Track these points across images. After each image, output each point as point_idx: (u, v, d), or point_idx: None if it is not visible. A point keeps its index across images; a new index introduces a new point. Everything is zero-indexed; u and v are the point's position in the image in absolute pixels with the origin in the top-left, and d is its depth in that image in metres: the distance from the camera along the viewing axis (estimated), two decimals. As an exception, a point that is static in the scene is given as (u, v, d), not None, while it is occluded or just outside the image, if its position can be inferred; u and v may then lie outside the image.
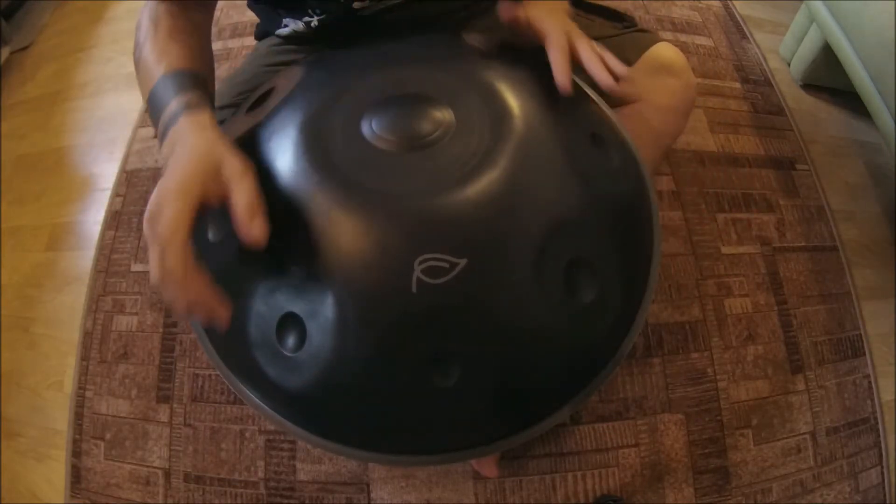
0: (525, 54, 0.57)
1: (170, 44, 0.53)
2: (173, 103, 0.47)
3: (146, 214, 0.40)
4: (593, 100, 0.59)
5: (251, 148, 0.49)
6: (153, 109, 0.50)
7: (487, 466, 0.95)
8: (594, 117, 0.56)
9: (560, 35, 0.54)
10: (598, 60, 0.53)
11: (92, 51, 1.62)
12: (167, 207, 0.39)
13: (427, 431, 0.46)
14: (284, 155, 0.46)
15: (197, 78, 0.51)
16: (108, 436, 1.05)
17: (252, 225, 0.40)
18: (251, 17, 0.76)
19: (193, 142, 0.44)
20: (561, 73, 0.52)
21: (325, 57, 0.60)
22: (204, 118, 0.46)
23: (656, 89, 0.70)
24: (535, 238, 0.43)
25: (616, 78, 0.53)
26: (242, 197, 0.41)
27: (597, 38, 0.69)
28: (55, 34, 1.72)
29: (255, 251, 0.45)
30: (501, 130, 0.46)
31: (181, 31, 0.55)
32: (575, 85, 0.58)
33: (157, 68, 0.51)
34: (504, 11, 0.58)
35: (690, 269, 1.16)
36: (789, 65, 1.48)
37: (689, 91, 0.72)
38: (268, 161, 0.47)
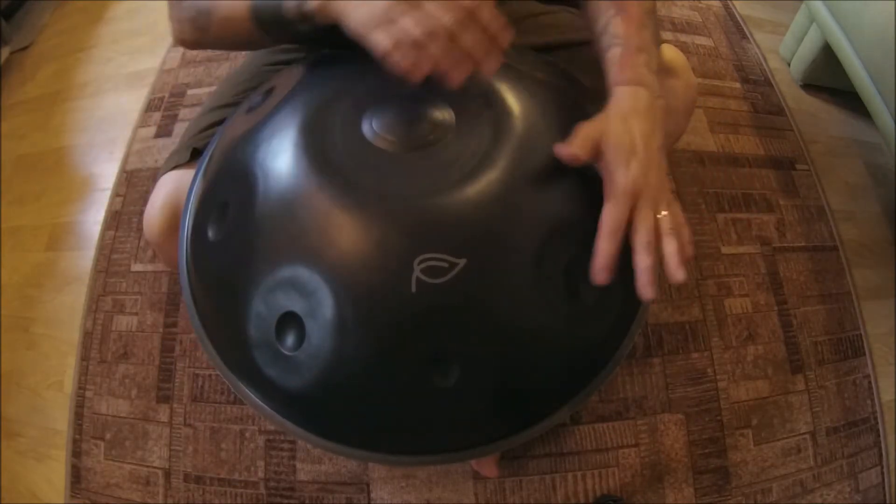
0: (526, 54, 0.57)
1: None
2: None
3: None
4: (594, 100, 0.59)
5: (251, 148, 0.49)
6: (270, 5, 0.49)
7: (487, 466, 0.95)
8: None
9: (623, 200, 0.42)
10: (647, 260, 0.41)
11: (92, 51, 1.62)
12: None
13: (427, 431, 0.46)
14: (284, 154, 0.46)
15: None
16: (108, 436, 1.05)
17: None
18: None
19: None
20: (596, 263, 0.41)
21: (325, 56, 0.60)
22: None
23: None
24: (534, 238, 0.43)
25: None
26: None
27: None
28: (55, 34, 1.72)
29: (254, 250, 0.45)
30: (502, 130, 0.46)
31: None
32: (577, 86, 0.58)
33: None
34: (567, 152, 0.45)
35: (690, 269, 1.16)
36: (789, 65, 1.48)
37: (690, 91, 0.71)
38: (267, 161, 0.47)
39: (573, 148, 0.44)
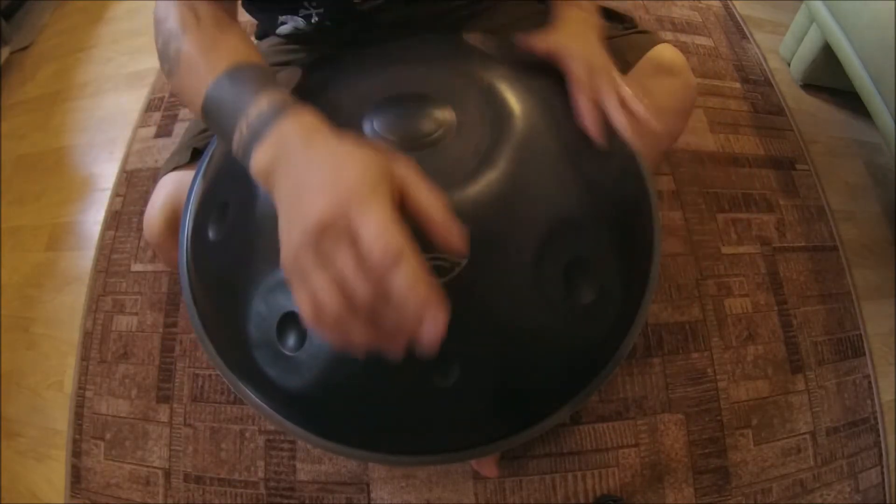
0: (526, 54, 0.57)
1: (222, 35, 0.44)
2: (262, 101, 0.38)
3: (305, 236, 0.30)
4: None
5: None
6: (218, 114, 0.41)
7: (487, 466, 0.95)
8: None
9: (582, 72, 0.52)
10: (617, 106, 0.51)
11: (92, 51, 1.62)
12: (368, 210, 0.29)
13: (427, 431, 0.46)
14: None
15: (269, 73, 0.42)
16: (108, 436, 1.05)
17: (454, 228, 0.32)
18: (247, 17, 0.76)
19: (339, 143, 0.35)
20: (589, 122, 0.50)
21: (325, 56, 0.60)
22: (317, 121, 0.38)
23: (657, 90, 0.70)
24: (535, 238, 0.43)
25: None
26: (433, 197, 0.33)
27: None
28: (55, 34, 1.72)
29: (254, 250, 0.45)
30: (502, 130, 0.46)
31: (230, 23, 0.47)
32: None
33: (214, 63, 0.42)
34: (528, 43, 0.57)
35: (690, 269, 1.16)
36: (789, 65, 1.48)
37: (690, 92, 0.72)
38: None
39: (534, 44, 0.55)
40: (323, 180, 0.32)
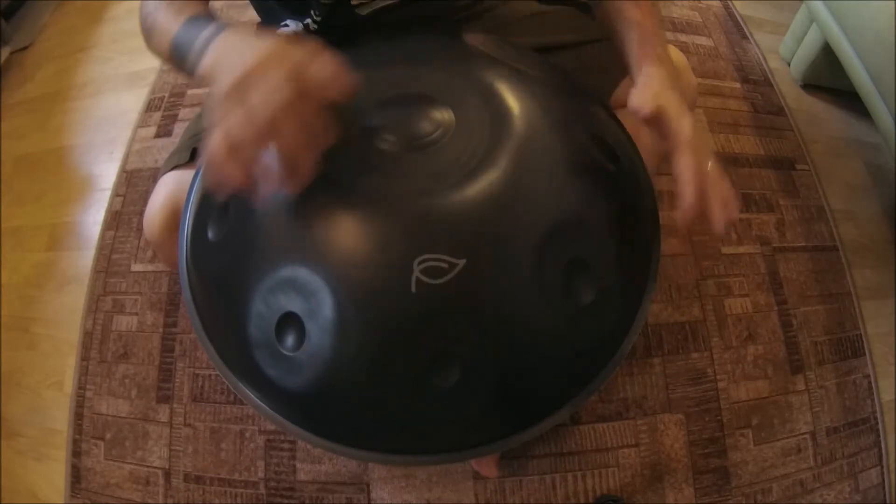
0: (526, 54, 0.57)
1: (187, 4, 0.52)
2: (208, 29, 0.46)
3: (232, 85, 0.38)
4: (594, 100, 0.59)
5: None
6: (179, 51, 0.48)
7: (487, 466, 0.95)
8: (595, 118, 0.56)
9: (693, 154, 0.47)
10: (721, 202, 0.47)
11: (92, 51, 1.62)
12: (284, 50, 0.40)
13: (427, 431, 0.46)
14: (284, 155, 0.46)
15: (217, 17, 0.49)
16: (108, 436, 1.05)
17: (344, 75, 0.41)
18: (251, 16, 0.76)
19: (259, 39, 0.42)
20: (683, 217, 0.46)
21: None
22: (246, 31, 0.45)
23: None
24: (534, 238, 0.43)
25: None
26: (329, 59, 0.41)
27: (594, 40, 0.69)
28: (55, 34, 1.72)
29: (254, 250, 0.45)
30: (502, 131, 0.46)
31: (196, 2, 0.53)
32: (575, 86, 0.58)
33: (177, 18, 0.49)
34: (632, 99, 0.51)
35: (690, 269, 1.16)
36: (789, 65, 1.48)
37: (690, 92, 0.71)
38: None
39: (643, 107, 0.49)
40: (239, 58, 0.40)
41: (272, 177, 0.40)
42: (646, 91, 0.51)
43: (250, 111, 0.38)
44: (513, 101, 0.49)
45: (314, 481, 0.98)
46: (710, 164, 0.48)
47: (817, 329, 1.13)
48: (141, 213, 1.23)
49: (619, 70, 0.67)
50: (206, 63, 0.44)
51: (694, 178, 0.46)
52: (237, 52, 0.42)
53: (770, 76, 1.46)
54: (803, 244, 1.22)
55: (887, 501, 1.00)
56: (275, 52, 0.40)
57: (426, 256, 0.40)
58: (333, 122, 0.42)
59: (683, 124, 0.48)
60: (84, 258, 1.24)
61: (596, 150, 0.51)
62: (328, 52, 0.41)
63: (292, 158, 0.40)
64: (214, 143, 0.38)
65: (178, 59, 0.49)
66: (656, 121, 0.49)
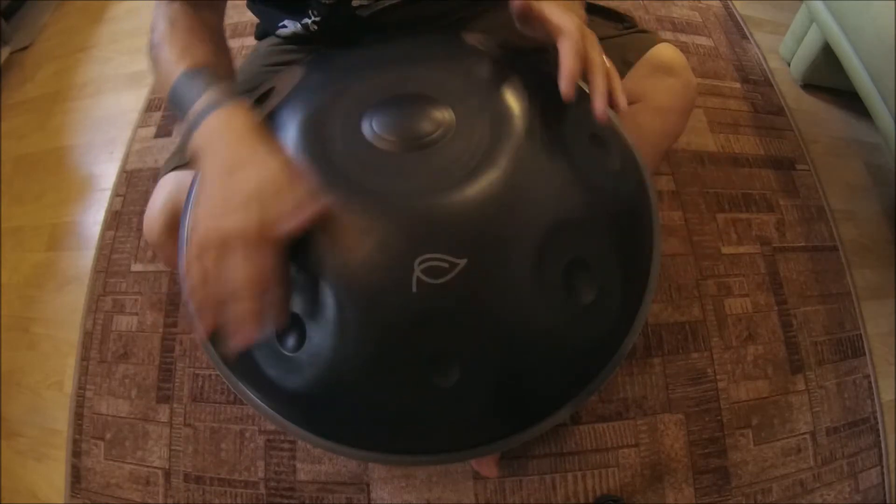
0: (526, 54, 0.57)
1: (191, 41, 0.53)
2: (202, 99, 0.47)
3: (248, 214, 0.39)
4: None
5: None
6: (176, 104, 0.50)
7: (487, 466, 0.95)
8: (594, 118, 0.56)
9: (576, 35, 0.48)
10: (603, 84, 0.47)
11: (92, 51, 1.62)
12: (289, 192, 0.40)
13: (427, 431, 0.46)
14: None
15: (220, 74, 0.51)
16: (108, 436, 1.05)
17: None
18: (251, 17, 0.76)
19: (248, 152, 0.43)
20: (567, 77, 0.46)
21: (325, 57, 0.60)
22: (241, 113, 0.46)
23: (657, 90, 0.70)
24: (535, 238, 0.43)
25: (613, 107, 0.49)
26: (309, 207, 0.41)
27: (598, 40, 0.69)
28: (55, 34, 1.72)
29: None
30: (501, 130, 0.46)
31: (200, 30, 0.55)
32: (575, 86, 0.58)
33: (179, 64, 0.50)
34: (515, 3, 0.52)
35: (690, 269, 1.16)
36: (789, 65, 1.48)
37: (690, 91, 0.72)
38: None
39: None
40: (232, 194, 0.41)
41: (238, 328, 0.40)
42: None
43: (216, 279, 0.39)
44: (513, 100, 0.49)
45: (314, 481, 0.98)
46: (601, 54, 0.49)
47: (817, 329, 1.13)
48: (141, 213, 1.23)
49: (618, 69, 0.67)
50: (194, 144, 0.46)
51: (575, 54, 0.47)
52: (221, 143, 0.44)
53: (770, 76, 1.46)
54: (803, 244, 1.22)
55: (887, 501, 1.00)
56: (253, 216, 0.39)
57: (427, 256, 0.40)
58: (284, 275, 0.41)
59: (565, 18, 0.49)
60: (84, 258, 1.24)
61: (595, 150, 0.51)
62: (312, 197, 0.41)
63: (243, 322, 0.39)
64: (189, 277, 0.40)
65: (173, 110, 0.51)
66: (535, 19, 0.50)
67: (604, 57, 0.49)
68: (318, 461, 0.99)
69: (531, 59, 0.57)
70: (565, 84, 0.46)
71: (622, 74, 0.71)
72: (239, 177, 0.41)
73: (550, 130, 0.48)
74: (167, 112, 1.41)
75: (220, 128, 0.45)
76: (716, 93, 1.41)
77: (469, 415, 0.44)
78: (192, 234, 0.41)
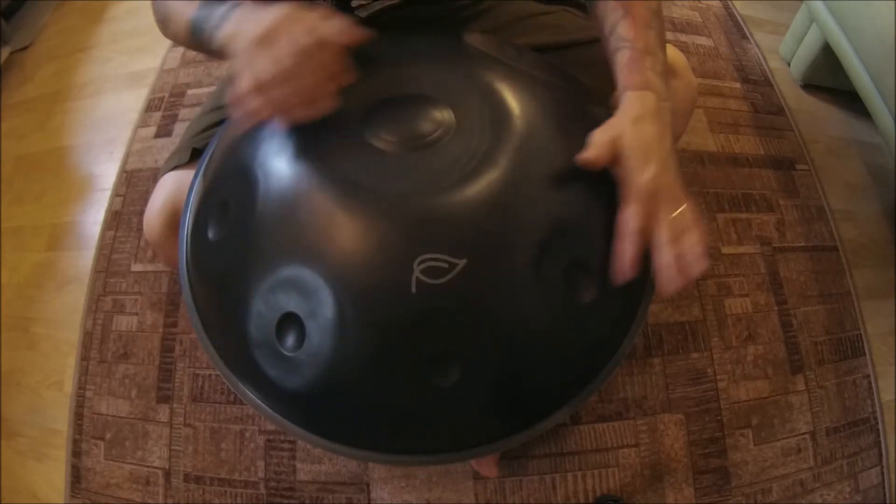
0: (526, 54, 0.57)
1: None
2: (224, 6, 0.50)
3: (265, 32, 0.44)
4: (594, 100, 0.59)
5: (251, 148, 0.49)
6: (197, 29, 0.52)
7: (487, 466, 0.95)
8: (595, 118, 0.56)
9: (643, 201, 0.44)
10: (668, 252, 0.43)
11: (92, 51, 1.62)
12: (300, 11, 0.46)
13: (426, 431, 0.46)
14: (284, 155, 0.46)
15: None
16: (108, 436, 1.05)
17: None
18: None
19: (273, 6, 0.46)
20: (619, 258, 0.43)
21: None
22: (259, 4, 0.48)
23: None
24: (535, 238, 0.43)
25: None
26: (340, 18, 0.46)
27: (594, 40, 0.69)
28: (55, 34, 1.72)
29: (253, 250, 0.45)
30: (501, 131, 0.46)
31: None
32: (577, 86, 0.58)
33: (192, 3, 0.53)
34: (592, 136, 0.47)
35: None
36: (789, 65, 1.48)
37: (690, 92, 0.71)
38: (268, 161, 0.47)
39: (591, 153, 0.45)
40: (258, 21, 0.46)
41: (295, 107, 0.45)
42: (608, 130, 0.46)
43: (276, 56, 0.44)
44: (513, 101, 0.49)
45: (314, 481, 0.98)
46: (677, 213, 0.45)
47: (817, 329, 1.13)
48: (141, 213, 1.23)
49: None
50: (226, 31, 0.49)
51: (632, 236, 0.43)
52: (255, 17, 0.47)
53: (770, 76, 1.46)
54: (803, 244, 1.22)
55: (887, 501, 1.00)
56: (292, 13, 0.45)
57: (426, 256, 0.40)
58: (350, 64, 0.47)
59: (642, 172, 0.44)
60: (84, 258, 1.24)
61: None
62: (337, 14, 0.47)
63: (313, 93, 0.45)
64: (243, 83, 0.44)
65: (196, 36, 0.53)
66: (612, 164, 0.46)
67: (678, 216, 0.45)
68: (318, 461, 0.99)
69: (531, 60, 0.57)
70: (618, 273, 0.44)
71: None
72: (268, 16, 0.46)
73: (550, 130, 0.48)
74: (167, 112, 1.41)
75: (246, 13, 0.48)
76: (716, 93, 1.41)
77: (469, 415, 0.44)
78: (238, 50, 0.46)
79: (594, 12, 0.57)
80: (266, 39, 0.44)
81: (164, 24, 0.59)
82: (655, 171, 0.45)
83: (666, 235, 0.44)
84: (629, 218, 0.44)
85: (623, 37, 0.52)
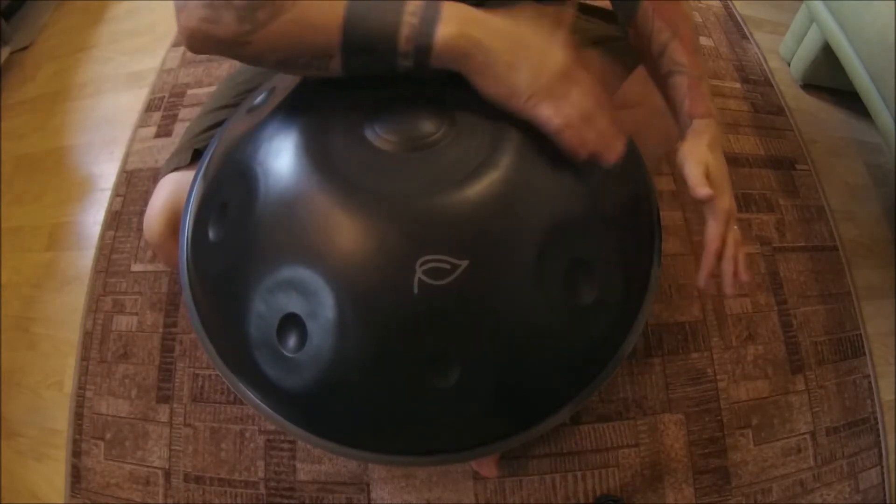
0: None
1: None
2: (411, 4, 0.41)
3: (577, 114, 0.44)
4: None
5: (252, 148, 0.49)
6: (364, 19, 0.41)
7: (487, 467, 0.96)
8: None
9: (721, 221, 0.52)
10: (730, 269, 0.53)
11: (92, 51, 1.62)
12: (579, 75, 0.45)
13: (427, 432, 0.46)
14: (285, 155, 0.46)
15: None
16: (108, 436, 1.05)
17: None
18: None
19: (519, 23, 0.45)
20: (705, 267, 0.53)
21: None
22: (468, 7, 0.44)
23: (657, 92, 0.70)
24: (536, 239, 0.43)
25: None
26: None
27: (598, 41, 0.69)
28: (55, 34, 1.72)
29: (254, 250, 0.45)
30: (503, 131, 0.46)
31: None
32: None
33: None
34: (682, 159, 0.54)
35: (690, 269, 1.16)
36: (789, 65, 1.48)
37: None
38: (268, 161, 0.47)
39: (705, 191, 0.51)
40: (541, 43, 0.44)
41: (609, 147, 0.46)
42: (698, 163, 0.52)
43: (584, 91, 0.44)
44: (514, 101, 0.48)
45: (314, 481, 0.98)
46: (735, 230, 0.53)
47: (817, 329, 1.13)
48: (141, 214, 1.23)
49: (620, 71, 0.66)
50: (447, 33, 0.41)
51: (719, 251, 0.52)
52: (513, 36, 0.44)
53: (770, 76, 1.46)
54: (803, 244, 1.22)
55: (887, 501, 1.01)
56: (570, 59, 0.45)
57: (428, 257, 0.40)
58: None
59: (724, 197, 0.52)
60: (84, 258, 1.24)
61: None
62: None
63: (608, 135, 0.46)
64: (567, 113, 0.44)
65: (360, 31, 0.42)
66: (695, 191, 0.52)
67: (737, 241, 0.53)
68: (318, 461, 0.99)
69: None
70: (702, 277, 0.53)
71: (623, 78, 0.71)
72: (534, 40, 0.44)
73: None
74: (167, 112, 1.41)
75: (467, 11, 0.43)
76: (716, 93, 1.41)
77: (469, 415, 0.44)
78: (536, 83, 0.44)
79: (635, 27, 0.60)
80: (560, 83, 0.44)
81: (271, 18, 0.41)
82: (731, 195, 0.53)
83: (732, 250, 0.53)
84: (715, 237, 0.52)
85: (678, 62, 0.57)
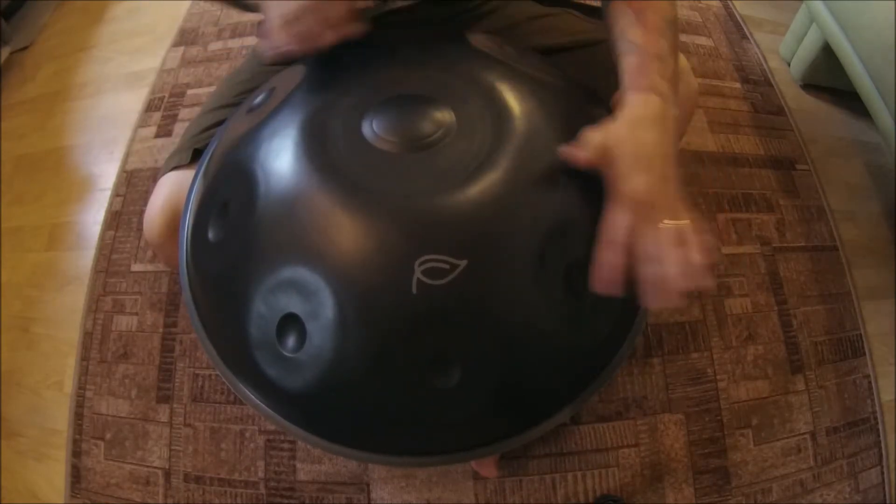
0: (529, 56, 0.57)
1: None
2: None
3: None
4: (596, 101, 0.59)
5: (252, 148, 0.49)
6: None
7: (487, 467, 0.95)
8: (596, 119, 0.56)
9: (628, 209, 0.42)
10: (653, 282, 0.41)
11: (92, 51, 1.62)
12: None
13: (427, 432, 0.46)
14: (285, 155, 0.46)
15: None
16: (108, 436, 1.05)
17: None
18: (252, 16, 0.76)
19: None
20: (597, 269, 0.42)
21: (326, 57, 0.60)
22: None
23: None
24: (536, 239, 0.43)
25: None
26: None
27: (596, 43, 0.69)
28: (55, 34, 1.72)
29: (254, 251, 0.45)
30: (503, 132, 0.46)
31: None
32: (578, 88, 0.58)
33: None
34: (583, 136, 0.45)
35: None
36: (789, 65, 1.48)
37: (691, 94, 0.71)
38: (268, 161, 0.47)
39: (579, 151, 0.44)
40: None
41: (320, 36, 0.50)
42: (602, 131, 0.45)
43: (299, 5, 0.48)
44: (514, 102, 0.49)
45: (314, 481, 0.98)
46: (670, 224, 0.42)
47: (817, 329, 1.13)
48: (141, 213, 1.23)
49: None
50: None
51: (612, 242, 0.42)
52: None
53: (770, 76, 1.46)
54: (803, 244, 1.22)
55: (887, 501, 1.00)
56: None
57: (427, 257, 0.40)
58: (357, 20, 0.52)
59: (631, 179, 0.42)
60: (84, 258, 1.24)
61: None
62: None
63: (338, 20, 0.50)
64: (272, 21, 0.49)
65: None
66: (603, 166, 0.44)
67: (668, 228, 0.42)
68: (318, 461, 0.99)
69: (533, 61, 0.57)
70: (595, 282, 0.42)
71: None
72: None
73: (552, 132, 0.48)
74: (167, 112, 1.41)
75: None
76: (716, 93, 1.41)
77: (469, 416, 0.44)
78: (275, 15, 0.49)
79: (606, 14, 0.56)
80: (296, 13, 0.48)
81: None
82: (648, 180, 0.42)
83: (652, 248, 0.41)
84: (611, 226, 0.42)
85: (632, 41, 0.50)
